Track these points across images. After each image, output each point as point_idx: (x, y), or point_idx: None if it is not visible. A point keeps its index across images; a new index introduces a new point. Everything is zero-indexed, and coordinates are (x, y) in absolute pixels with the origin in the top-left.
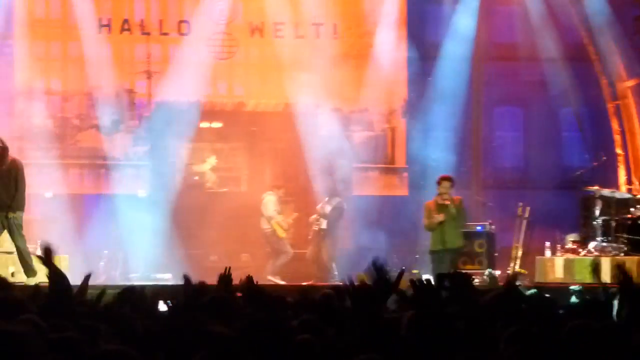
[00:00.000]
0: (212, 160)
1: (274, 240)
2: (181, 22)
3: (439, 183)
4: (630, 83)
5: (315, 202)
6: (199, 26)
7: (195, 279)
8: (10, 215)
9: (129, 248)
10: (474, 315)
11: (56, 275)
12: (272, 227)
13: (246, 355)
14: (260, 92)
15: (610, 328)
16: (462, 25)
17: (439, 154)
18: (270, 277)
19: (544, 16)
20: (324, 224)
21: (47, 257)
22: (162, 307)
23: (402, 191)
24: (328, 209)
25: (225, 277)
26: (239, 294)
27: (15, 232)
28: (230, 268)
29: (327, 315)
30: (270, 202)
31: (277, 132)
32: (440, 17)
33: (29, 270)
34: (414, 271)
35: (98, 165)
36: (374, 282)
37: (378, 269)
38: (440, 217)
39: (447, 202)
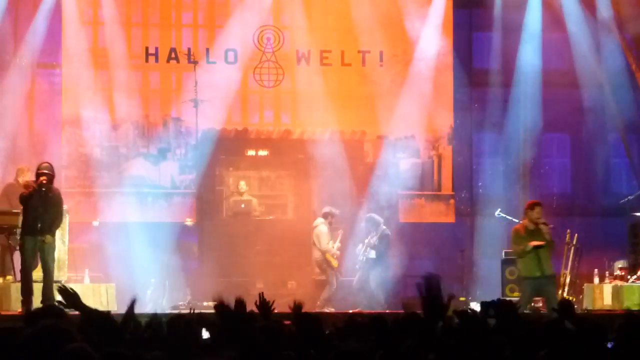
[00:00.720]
0: (241, 187)
1: (325, 269)
2: (228, 50)
3: (531, 208)
4: None
5: (361, 230)
6: (246, 55)
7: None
8: (49, 239)
9: (176, 276)
10: (521, 344)
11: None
12: (325, 257)
13: None
14: (307, 120)
15: None
16: (525, 56)
17: (486, 180)
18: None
19: (591, 43)
20: (372, 254)
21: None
22: (205, 334)
23: (449, 218)
24: (375, 239)
25: (264, 305)
26: (286, 322)
27: (51, 254)
28: (262, 294)
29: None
30: (323, 235)
31: (322, 160)
32: (487, 44)
33: (49, 298)
34: (461, 299)
35: (145, 193)
36: (424, 299)
37: (431, 286)
38: (540, 243)
39: (550, 227)
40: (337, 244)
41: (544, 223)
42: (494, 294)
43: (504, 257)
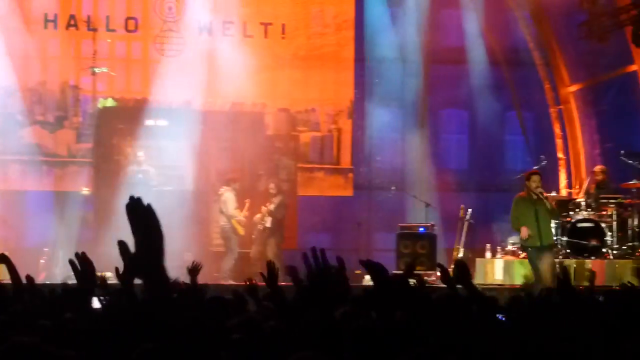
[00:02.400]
0: (140, 156)
1: (229, 237)
2: (128, 18)
3: (528, 178)
4: (573, 88)
5: (261, 201)
6: (147, 23)
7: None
8: None
9: (70, 246)
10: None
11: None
12: (231, 224)
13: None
14: (207, 91)
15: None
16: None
17: (384, 155)
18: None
19: (489, 21)
20: (268, 222)
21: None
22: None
23: (347, 192)
24: (272, 207)
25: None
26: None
27: None
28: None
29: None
30: (230, 200)
31: (223, 131)
32: (390, 19)
33: None
34: (357, 272)
35: (41, 161)
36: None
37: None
38: (526, 236)
39: (546, 195)
40: (245, 213)
41: (543, 192)
42: (388, 268)
43: (399, 231)
